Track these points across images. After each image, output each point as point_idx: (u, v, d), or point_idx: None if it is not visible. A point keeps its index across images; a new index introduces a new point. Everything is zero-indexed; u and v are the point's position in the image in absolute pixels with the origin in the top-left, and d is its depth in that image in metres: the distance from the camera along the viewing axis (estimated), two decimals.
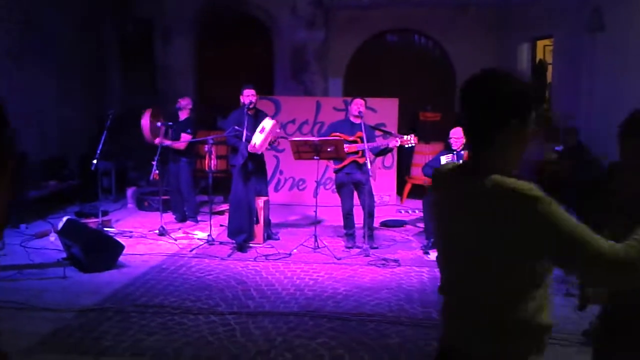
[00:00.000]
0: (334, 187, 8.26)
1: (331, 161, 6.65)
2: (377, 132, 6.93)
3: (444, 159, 6.57)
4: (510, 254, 1.58)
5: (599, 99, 8.06)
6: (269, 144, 6.49)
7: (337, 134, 6.44)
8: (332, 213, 7.79)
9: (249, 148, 6.21)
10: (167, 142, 7.19)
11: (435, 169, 1.92)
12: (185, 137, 7.34)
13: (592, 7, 8.06)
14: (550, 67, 10.61)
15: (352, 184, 6.51)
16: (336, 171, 6.56)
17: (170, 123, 7.30)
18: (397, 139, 6.39)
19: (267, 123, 6.27)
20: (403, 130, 8.13)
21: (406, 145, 6.43)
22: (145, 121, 7.13)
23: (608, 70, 7.82)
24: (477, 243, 1.64)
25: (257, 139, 6.18)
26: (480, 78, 1.69)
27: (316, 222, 6.66)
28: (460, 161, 6.37)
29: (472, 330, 1.70)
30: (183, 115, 7.51)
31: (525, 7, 9.96)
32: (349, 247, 6.49)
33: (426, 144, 8.98)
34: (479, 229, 1.63)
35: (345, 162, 6.43)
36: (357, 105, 6.43)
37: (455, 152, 6.56)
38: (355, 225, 6.67)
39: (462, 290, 1.74)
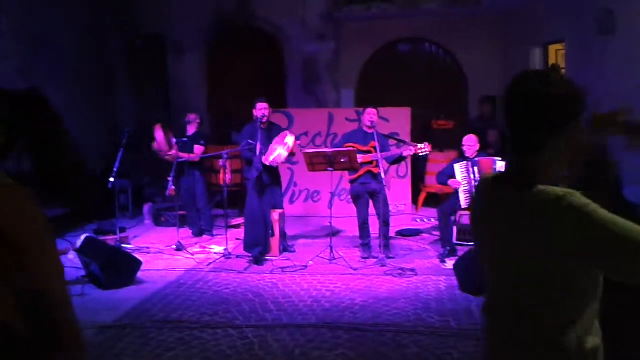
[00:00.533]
0: (349, 197, 8.26)
1: (346, 172, 6.66)
2: (391, 141, 6.94)
3: (457, 167, 6.56)
4: (563, 267, 1.48)
5: (611, 103, 8.00)
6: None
7: (351, 144, 6.46)
8: (348, 224, 7.79)
9: (264, 160, 6.25)
10: (185, 156, 7.24)
11: (480, 181, 1.80)
12: (199, 149, 7.40)
13: (603, 9, 8.03)
14: (563, 72, 10.56)
15: (367, 193, 6.51)
16: (351, 182, 6.57)
17: (185, 139, 7.37)
18: (412, 147, 6.39)
19: (290, 140, 6.32)
20: (416, 139, 8.13)
21: (420, 154, 6.43)
22: (160, 135, 7.17)
23: (621, 72, 7.76)
24: (529, 257, 1.53)
25: (280, 152, 6.23)
26: (529, 79, 1.55)
27: (332, 233, 6.67)
28: (475, 168, 6.38)
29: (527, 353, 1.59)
30: (191, 130, 7.56)
31: (535, 11, 9.94)
32: (364, 258, 6.49)
33: (440, 152, 8.96)
34: (531, 242, 1.52)
35: (360, 173, 6.44)
36: (370, 115, 6.45)
37: (469, 160, 6.55)
38: (371, 235, 6.66)
39: (514, 311, 1.60)
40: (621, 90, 7.79)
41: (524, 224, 1.53)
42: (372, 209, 6.60)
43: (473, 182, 6.46)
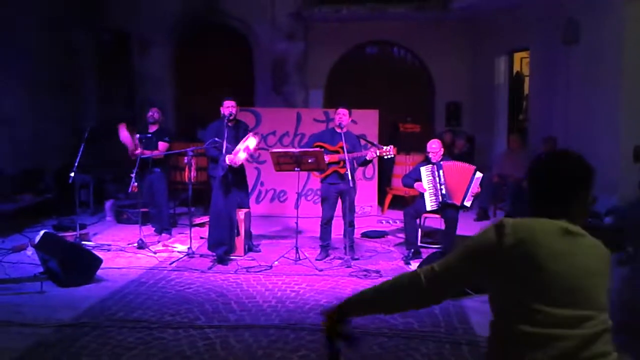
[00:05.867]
0: (316, 198, 8.24)
1: (313, 172, 6.64)
2: (362, 142, 6.92)
3: (423, 170, 6.62)
4: None
5: (574, 110, 8.20)
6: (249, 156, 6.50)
7: (320, 143, 6.44)
8: (314, 224, 7.77)
9: (228, 160, 6.19)
10: (148, 153, 7.11)
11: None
12: (164, 145, 7.27)
13: (567, 19, 8.22)
14: (527, 79, 10.77)
15: (336, 193, 6.49)
16: (321, 180, 6.56)
17: (149, 135, 7.23)
18: (376, 149, 6.40)
19: (252, 142, 6.27)
20: (383, 141, 8.17)
21: (385, 156, 6.45)
22: (125, 134, 7.03)
23: (583, 81, 7.96)
24: None
25: (241, 155, 6.20)
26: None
27: (297, 233, 6.65)
28: (440, 172, 6.45)
29: None
30: (154, 127, 7.39)
31: (502, 19, 10.11)
32: (318, 259, 6.43)
33: (406, 155, 9.04)
34: None
35: (327, 172, 6.43)
36: (339, 115, 6.43)
37: (434, 164, 6.61)
38: (332, 237, 6.65)
39: None
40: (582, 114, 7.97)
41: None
42: (338, 211, 6.59)
43: (438, 185, 6.52)
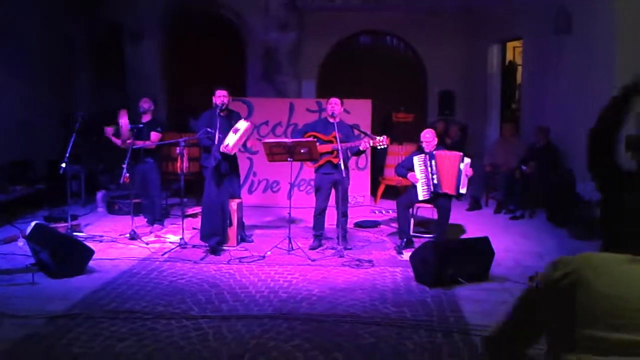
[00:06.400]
0: (308, 188, 8.22)
1: (306, 162, 6.63)
2: (356, 132, 6.92)
3: (416, 160, 6.62)
4: None
5: (566, 99, 8.21)
6: (243, 146, 6.45)
7: (314, 133, 6.43)
8: (307, 214, 7.78)
9: (221, 148, 6.15)
10: (140, 143, 7.06)
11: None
12: (156, 135, 7.22)
13: (560, 9, 8.21)
14: (519, 68, 10.78)
15: (330, 183, 6.49)
16: (315, 171, 6.56)
17: (141, 126, 7.18)
18: (370, 140, 6.39)
19: (242, 124, 6.23)
20: (376, 131, 8.17)
21: (378, 147, 6.44)
22: (125, 121, 6.94)
23: (575, 71, 7.96)
24: None
25: (231, 139, 6.14)
26: None
27: (290, 223, 6.64)
28: (433, 162, 6.45)
29: None
30: (146, 117, 7.34)
31: (495, 9, 10.09)
32: (312, 248, 6.46)
33: (399, 145, 9.03)
34: None
35: (320, 162, 6.43)
36: (331, 104, 6.43)
37: (427, 154, 6.61)
38: (325, 227, 6.66)
39: None
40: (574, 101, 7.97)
41: None
42: (331, 201, 6.59)
43: (430, 174, 6.53)
